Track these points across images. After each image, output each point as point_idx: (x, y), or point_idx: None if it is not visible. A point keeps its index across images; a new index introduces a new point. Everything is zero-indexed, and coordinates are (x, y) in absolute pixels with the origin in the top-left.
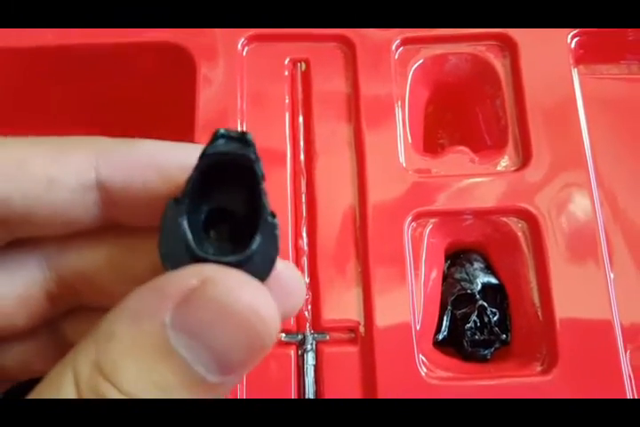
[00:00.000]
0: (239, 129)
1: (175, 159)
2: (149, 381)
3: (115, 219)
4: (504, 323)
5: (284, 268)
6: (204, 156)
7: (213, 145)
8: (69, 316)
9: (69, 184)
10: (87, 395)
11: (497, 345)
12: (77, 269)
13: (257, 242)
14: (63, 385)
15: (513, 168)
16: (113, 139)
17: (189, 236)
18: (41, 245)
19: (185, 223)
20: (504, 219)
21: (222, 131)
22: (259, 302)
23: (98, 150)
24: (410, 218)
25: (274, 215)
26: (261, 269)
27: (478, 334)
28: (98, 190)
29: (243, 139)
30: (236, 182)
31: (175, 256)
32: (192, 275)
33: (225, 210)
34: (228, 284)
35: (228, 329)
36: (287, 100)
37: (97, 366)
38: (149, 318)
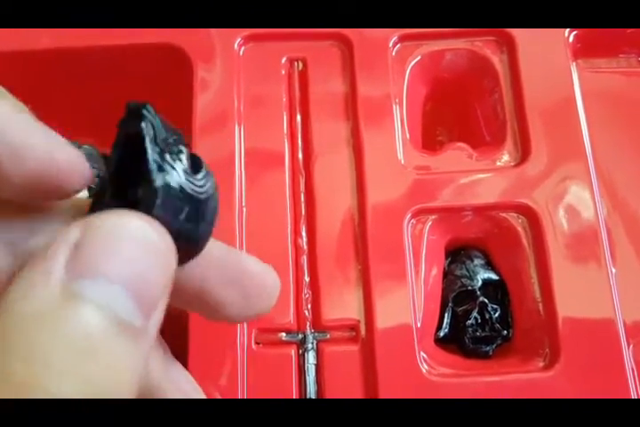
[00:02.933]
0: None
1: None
2: (70, 348)
3: None
4: (505, 319)
5: (263, 269)
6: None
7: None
8: None
9: None
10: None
11: (498, 341)
12: None
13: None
14: None
15: (512, 164)
16: None
17: None
18: None
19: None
20: (504, 214)
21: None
22: (147, 222)
23: None
24: (409, 215)
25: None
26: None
27: (480, 330)
28: None
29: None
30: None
31: None
32: (72, 230)
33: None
34: (112, 216)
35: (128, 253)
36: (284, 99)
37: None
38: (43, 284)
